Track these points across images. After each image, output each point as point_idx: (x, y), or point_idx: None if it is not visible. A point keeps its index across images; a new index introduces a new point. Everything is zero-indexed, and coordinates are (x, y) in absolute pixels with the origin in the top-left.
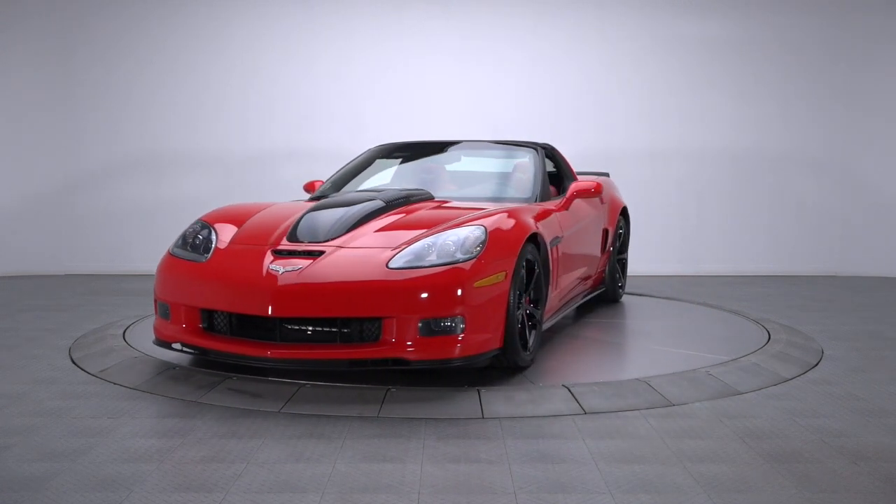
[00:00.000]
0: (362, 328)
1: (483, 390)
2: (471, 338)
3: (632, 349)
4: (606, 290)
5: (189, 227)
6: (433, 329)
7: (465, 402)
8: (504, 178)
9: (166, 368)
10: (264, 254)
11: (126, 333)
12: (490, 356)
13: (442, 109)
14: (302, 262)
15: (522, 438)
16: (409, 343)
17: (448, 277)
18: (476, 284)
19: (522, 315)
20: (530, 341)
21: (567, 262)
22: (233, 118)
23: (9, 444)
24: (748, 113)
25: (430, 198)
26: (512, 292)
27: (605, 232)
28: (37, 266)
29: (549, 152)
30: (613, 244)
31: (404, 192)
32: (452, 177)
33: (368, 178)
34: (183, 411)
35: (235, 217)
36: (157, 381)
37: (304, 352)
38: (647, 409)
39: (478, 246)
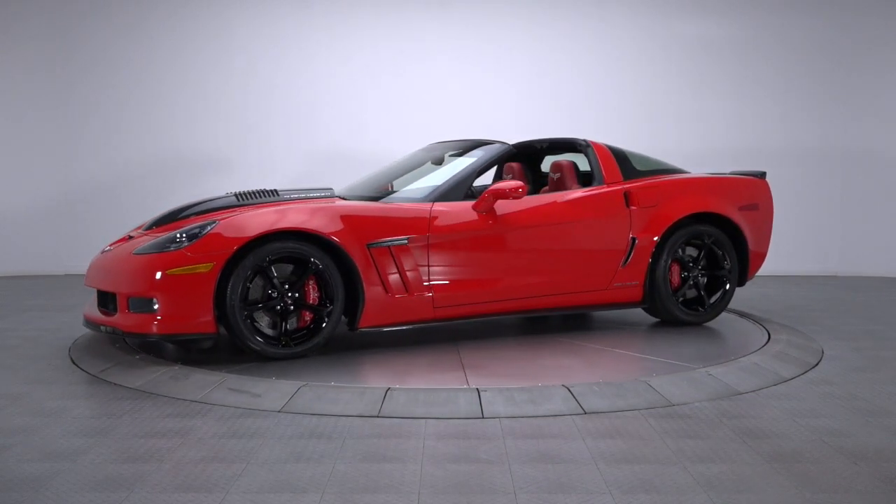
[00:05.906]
0: (119, 301)
1: (483, 390)
2: (165, 318)
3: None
4: (657, 308)
5: None
6: (134, 306)
7: (465, 402)
8: (408, 178)
9: (166, 368)
10: (125, 239)
11: (126, 333)
12: (200, 338)
13: (442, 110)
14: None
15: (522, 438)
16: (123, 316)
17: (143, 263)
18: (171, 271)
19: (282, 308)
20: (320, 336)
21: (461, 262)
22: (233, 119)
23: (9, 444)
24: (747, 113)
25: (328, 196)
26: (229, 283)
27: (632, 240)
28: (37, 266)
29: (584, 149)
30: (657, 255)
31: (262, 191)
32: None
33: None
34: (183, 411)
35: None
36: (157, 381)
37: (96, 317)
38: (647, 409)
39: (196, 237)
